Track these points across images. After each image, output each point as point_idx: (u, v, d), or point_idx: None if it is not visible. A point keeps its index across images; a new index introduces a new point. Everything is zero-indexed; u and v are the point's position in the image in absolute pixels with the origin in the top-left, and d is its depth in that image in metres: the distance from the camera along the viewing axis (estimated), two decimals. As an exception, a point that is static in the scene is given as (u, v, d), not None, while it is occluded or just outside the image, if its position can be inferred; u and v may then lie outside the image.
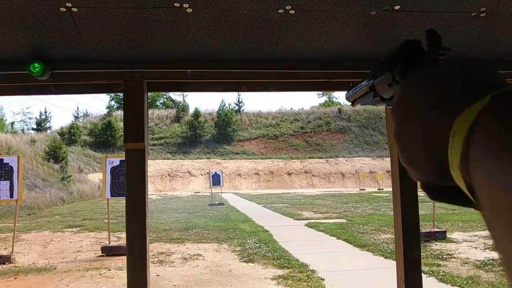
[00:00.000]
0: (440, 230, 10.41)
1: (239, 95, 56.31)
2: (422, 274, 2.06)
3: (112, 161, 9.72)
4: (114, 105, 59.20)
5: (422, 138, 0.41)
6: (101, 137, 46.77)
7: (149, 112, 2.41)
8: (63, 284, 6.80)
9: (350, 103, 0.84)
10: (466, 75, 0.41)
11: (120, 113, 50.34)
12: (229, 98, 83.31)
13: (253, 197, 27.92)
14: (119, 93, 2.14)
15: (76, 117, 57.13)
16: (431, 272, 6.86)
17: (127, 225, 1.90)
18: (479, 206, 0.32)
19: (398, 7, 1.52)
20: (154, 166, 41.74)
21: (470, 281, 6.29)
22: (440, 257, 8.07)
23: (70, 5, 1.42)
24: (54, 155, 33.01)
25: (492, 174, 0.29)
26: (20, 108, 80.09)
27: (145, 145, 1.92)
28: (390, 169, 2.20)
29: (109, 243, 9.43)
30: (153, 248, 9.33)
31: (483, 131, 0.33)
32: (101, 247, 9.25)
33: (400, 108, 0.44)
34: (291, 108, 59.21)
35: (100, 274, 7.37)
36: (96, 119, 53.00)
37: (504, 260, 0.28)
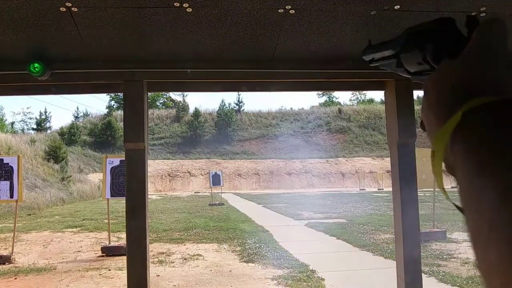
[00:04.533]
0: (440, 230, 10.40)
1: (239, 95, 56.40)
2: (422, 274, 2.06)
3: (112, 161, 9.72)
4: (114, 105, 59.19)
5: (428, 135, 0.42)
6: (101, 137, 46.78)
7: (149, 112, 2.40)
8: (63, 284, 6.80)
9: (368, 61, 0.78)
10: (466, 76, 0.39)
11: (120, 113, 50.35)
12: (229, 98, 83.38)
13: (253, 197, 27.92)
14: (119, 93, 2.14)
15: (76, 117, 57.15)
16: (431, 272, 6.86)
17: (127, 225, 1.90)
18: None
19: (398, 6, 1.51)
20: (154, 166, 41.75)
21: (470, 281, 6.29)
22: (440, 257, 8.06)
23: (70, 4, 1.42)
24: (54, 155, 33.04)
25: (474, 205, 0.30)
26: (20, 108, 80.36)
27: (145, 145, 1.92)
28: (390, 169, 2.19)
29: (109, 243, 9.43)
30: (153, 248, 9.33)
31: (455, 161, 0.33)
32: (101, 247, 9.25)
33: (424, 98, 0.44)
34: (291, 108, 59.32)
35: (100, 275, 7.37)
36: (96, 119, 53.01)
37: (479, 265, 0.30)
